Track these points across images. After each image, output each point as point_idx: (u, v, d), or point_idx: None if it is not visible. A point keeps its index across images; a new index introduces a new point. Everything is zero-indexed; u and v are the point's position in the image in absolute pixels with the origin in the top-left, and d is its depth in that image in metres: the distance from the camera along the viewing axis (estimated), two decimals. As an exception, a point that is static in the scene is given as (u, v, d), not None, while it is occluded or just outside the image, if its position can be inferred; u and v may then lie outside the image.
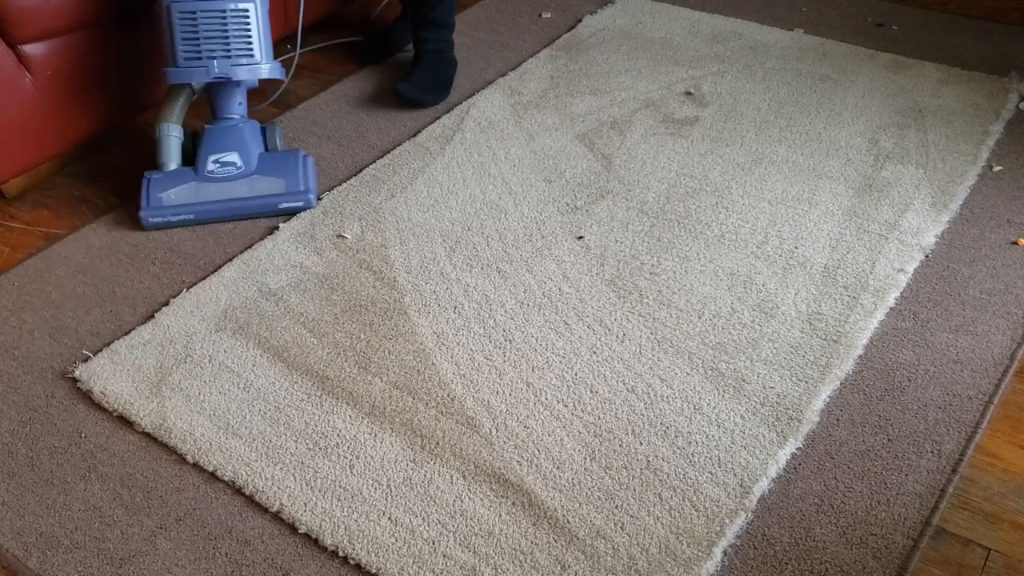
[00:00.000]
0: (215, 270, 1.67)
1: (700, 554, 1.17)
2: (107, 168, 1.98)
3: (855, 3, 2.45)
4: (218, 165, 1.75)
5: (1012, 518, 1.22)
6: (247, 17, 1.67)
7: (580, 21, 2.42)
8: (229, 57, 1.68)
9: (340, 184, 1.88)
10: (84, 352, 1.52)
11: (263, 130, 1.85)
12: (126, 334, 1.55)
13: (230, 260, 1.69)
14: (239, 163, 1.75)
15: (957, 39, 2.26)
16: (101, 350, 1.52)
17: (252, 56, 1.69)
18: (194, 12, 1.64)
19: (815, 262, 1.61)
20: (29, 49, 1.73)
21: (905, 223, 1.69)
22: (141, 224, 1.74)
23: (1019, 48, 2.21)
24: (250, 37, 1.68)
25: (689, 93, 2.10)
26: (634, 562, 1.17)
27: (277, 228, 1.76)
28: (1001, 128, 1.93)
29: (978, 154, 1.85)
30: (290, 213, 1.78)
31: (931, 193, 1.76)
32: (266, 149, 1.85)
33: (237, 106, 1.80)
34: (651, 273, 1.61)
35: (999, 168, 1.82)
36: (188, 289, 1.64)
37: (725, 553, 1.18)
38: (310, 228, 1.76)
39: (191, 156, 1.82)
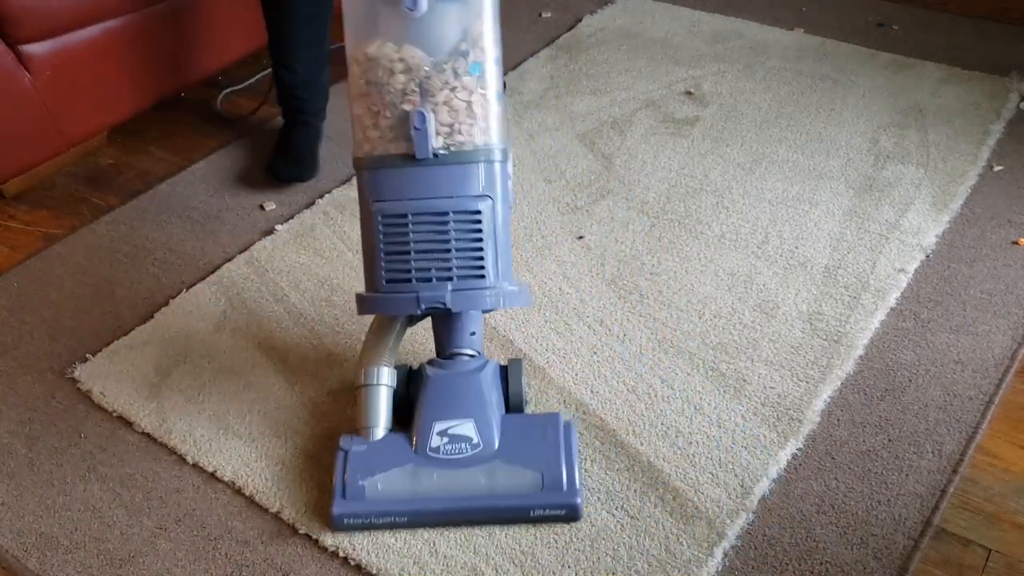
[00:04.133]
0: (215, 270, 1.67)
1: (701, 555, 1.17)
2: (107, 168, 1.98)
3: (855, 3, 2.45)
4: (446, 440, 1.20)
5: (1012, 518, 1.22)
6: (478, 223, 1.14)
7: (580, 21, 2.42)
8: (450, 279, 1.14)
9: (341, 185, 1.88)
10: (84, 352, 1.52)
11: (503, 371, 1.30)
12: (126, 334, 1.55)
13: (230, 260, 1.69)
14: (475, 439, 1.21)
15: (957, 39, 2.26)
16: (101, 350, 1.52)
17: (483, 277, 1.15)
18: (404, 216, 1.12)
19: (816, 262, 1.61)
20: (29, 49, 1.72)
21: (906, 223, 1.68)
22: (332, 523, 1.20)
23: (1019, 48, 2.21)
24: (481, 251, 1.14)
25: (689, 93, 2.10)
26: (634, 563, 1.16)
27: (275, 229, 1.76)
28: (1002, 128, 1.93)
29: (978, 154, 1.85)
30: (546, 521, 1.23)
31: (932, 193, 1.76)
32: (507, 401, 1.28)
33: (469, 338, 1.27)
34: (651, 273, 1.61)
35: (1000, 168, 1.82)
36: (188, 289, 1.63)
37: (726, 554, 1.18)
38: (310, 228, 1.76)
39: (404, 408, 1.27)
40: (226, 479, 1.30)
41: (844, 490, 1.24)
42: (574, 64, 2.23)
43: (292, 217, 1.79)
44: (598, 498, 1.24)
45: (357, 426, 1.24)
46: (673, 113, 2.03)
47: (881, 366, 1.42)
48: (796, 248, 1.65)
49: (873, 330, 1.48)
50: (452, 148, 1.10)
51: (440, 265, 1.13)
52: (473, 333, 1.27)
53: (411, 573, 1.17)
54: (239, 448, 1.34)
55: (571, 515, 1.20)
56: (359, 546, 1.20)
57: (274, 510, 1.26)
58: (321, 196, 1.84)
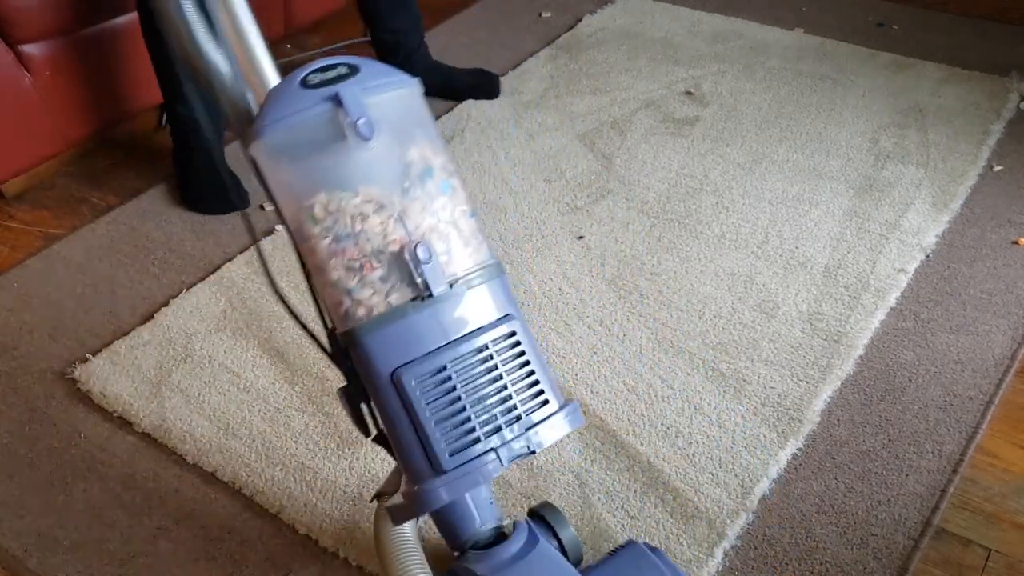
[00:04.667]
0: (215, 270, 1.67)
1: (701, 555, 1.17)
2: (106, 168, 1.98)
3: (855, 3, 2.45)
4: None
5: (1012, 518, 1.22)
6: (519, 344, 0.91)
7: (580, 21, 2.42)
8: (518, 419, 0.89)
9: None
10: (84, 352, 1.52)
11: (542, 522, 1.03)
12: (126, 334, 1.55)
13: (230, 260, 1.69)
14: None
15: (957, 39, 2.26)
16: (101, 350, 1.52)
17: (547, 403, 0.91)
18: (443, 369, 0.87)
19: (816, 262, 1.61)
20: (29, 49, 1.73)
21: (906, 223, 1.68)
22: None
23: (1019, 48, 2.21)
24: (534, 374, 0.91)
25: (689, 93, 2.10)
26: (635, 562, 1.16)
27: (275, 229, 1.76)
28: (1001, 128, 1.93)
29: (978, 154, 1.85)
30: None
31: (932, 193, 1.76)
32: (564, 555, 1.01)
33: (490, 507, 0.98)
34: (651, 273, 1.61)
35: (999, 168, 1.82)
36: (188, 289, 1.63)
37: (726, 554, 1.18)
38: (310, 228, 1.76)
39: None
40: (226, 480, 1.30)
41: (844, 490, 1.24)
42: (574, 64, 2.23)
43: (292, 217, 1.79)
44: (598, 499, 1.24)
45: None
46: (673, 113, 2.03)
47: (881, 366, 1.42)
48: (796, 248, 1.65)
49: (873, 330, 1.48)
50: (458, 275, 0.90)
51: (503, 409, 0.88)
52: (492, 502, 0.99)
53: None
54: (239, 448, 1.34)
55: None
56: (360, 546, 1.20)
57: (274, 510, 1.26)
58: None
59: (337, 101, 0.85)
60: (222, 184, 1.84)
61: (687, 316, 1.52)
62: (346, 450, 1.33)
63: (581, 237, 1.70)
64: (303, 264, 0.94)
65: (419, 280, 0.87)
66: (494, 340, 0.89)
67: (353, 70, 0.88)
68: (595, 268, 1.63)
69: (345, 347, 0.91)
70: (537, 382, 0.90)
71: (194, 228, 1.78)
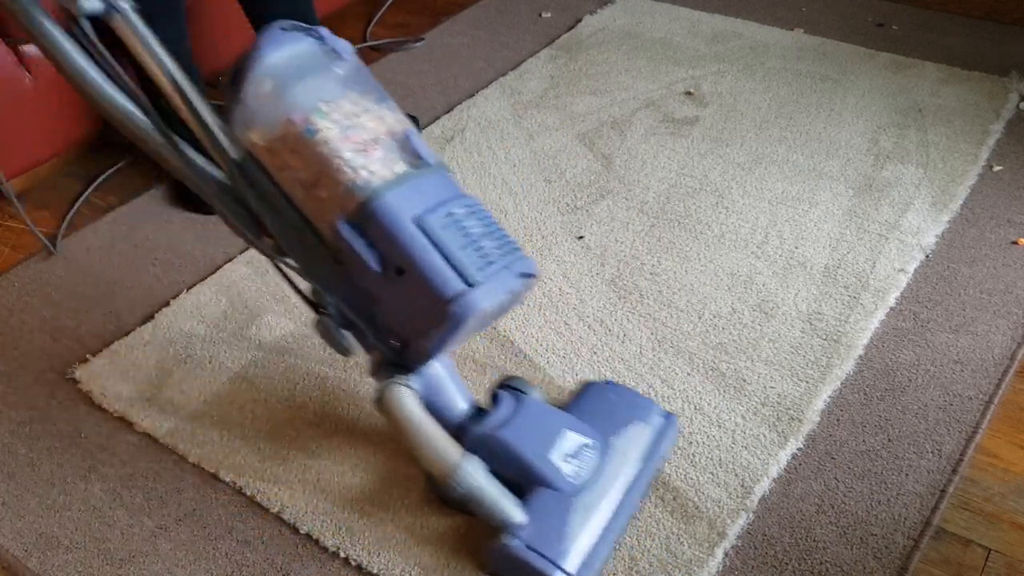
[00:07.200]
0: (215, 270, 1.67)
1: (702, 555, 1.17)
2: (107, 168, 1.98)
3: (855, 3, 2.45)
4: (573, 461, 1.16)
5: (1012, 518, 1.22)
6: (488, 212, 1.15)
7: (580, 21, 2.42)
8: (512, 252, 1.12)
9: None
10: (84, 352, 1.52)
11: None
12: (126, 335, 1.55)
13: (230, 260, 1.69)
14: (588, 440, 1.19)
15: (957, 39, 2.26)
16: (101, 350, 1.52)
17: (520, 248, 1.15)
18: (453, 214, 1.09)
19: (815, 262, 1.61)
20: (29, 49, 1.73)
21: (905, 223, 1.69)
22: None
23: (1019, 48, 2.21)
24: (503, 230, 1.16)
25: (689, 93, 2.10)
26: (635, 563, 1.16)
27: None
28: (1001, 128, 1.93)
29: (978, 154, 1.85)
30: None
31: (931, 193, 1.76)
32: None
33: (467, 392, 1.23)
34: (651, 273, 1.61)
35: (999, 168, 1.82)
36: (188, 289, 1.63)
37: (726, 554, 1.18)
38: (310, 228, 1.76)
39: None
40: (227, 480, 1.30)
41: (844, 490, 1.24)
42: (574, 64, 2.23)
43: (292, 217, 1.79)
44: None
45: (493, 523, 1.13)
46: (673, 113, 2.03)
47: (881, 366, 1.42)
48: (796, 248, 1.65)
49: (873, 330, 1.48)
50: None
51: (498, 244, 1.10)
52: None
53: (412, 574, 1.17)
54: (240, 448, 1.34)
55: (673, 424, 1.28)
56: (360, 546, 1.20)
57: (274, 510, 1.26)
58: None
59: (319, 36, 1.11)
60: None
61: (687, 316, 1.52)
62: (347, 450, 1.33)
63: (581, 237, 1.70)
64: (282, 194, 1.09)
65: (413, 155, 1.09)
66: (474, 203, 1.12)
67: (312, 28, 1.12)
68: (595, 268, 1.63)
69: (358, 225, 1.05)
70: (507, 235, 1.13)
71: (194, 228, 1.78)
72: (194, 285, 1.64)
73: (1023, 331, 1.47)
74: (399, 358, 1.13)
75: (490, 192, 1.83)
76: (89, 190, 1.91)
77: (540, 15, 2.47)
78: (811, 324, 1.49)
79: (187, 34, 1.78)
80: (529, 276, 1.12)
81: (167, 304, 1.60)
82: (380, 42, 2.41)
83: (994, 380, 1.39)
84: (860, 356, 1.44)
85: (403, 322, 1.10)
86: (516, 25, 2.43)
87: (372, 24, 2.51)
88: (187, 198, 1.84)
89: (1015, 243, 1.65)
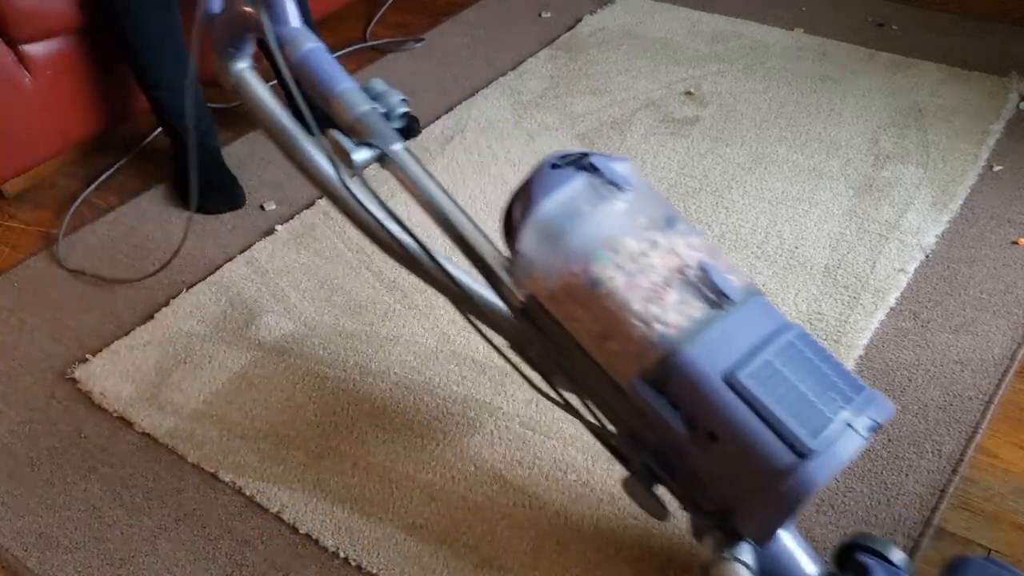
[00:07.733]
0: (215, 270, 1.67)
1: (702, 554, 1.17)
2: (107, 168, 1.98)
3: (855, 3, 2.45)
4: None
5: (1012, 518, 1.22)
6: (814, 341, 0.96)
7: (580, 21, 2.42)
8: (850, 399, 0.90)
9: (340, 184, 1.87)
10: (84, 352, 1.52)
11: None
12: (126, 334, 1.55)
13: (230, 260, 1.69)
14: None
15: (957, 39, 2.26)
16: (101, 350, 1.52)
17: (862, 385, 0.94)
18: (771, 362, 0.91)
19: (815, 262, 1.61)
20: (29, 49, 1.73)
21: (905, 223, 1.69)
22: None
23: (1019, 48, 2.21)
24: (838, 363, 0.95)
25: (689, 93, 2.10)
26: (640, 563, 1.16)
27: (275, 229, 1.76)
28: (1001, 128, 1.93)
29: (978, 154, 1.85)
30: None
31: (931, 193, 1.76)
32: None
33: (814, 554, 1.03)
34: (651, 273, 1.61)
35: (999, 168, 1.82)
36: (188, 289, 1.63)
37: (726, 553, 1.17)
38: (310, 228, 1.76)
39: None
40: (226, 480, 1.30)
41: (843, 490, 1.24)
42: (574, 64, 2.23)
43: (292, 217, 1.79)
44: (601, 500, 1.24)
45: None
46: (673, 113, 2.03)
47: (881, 366, 1.42)
48: (796, 248, 1.65)
49: (873, 330, 1.48)
50: (741, 287, 0.97)
51: (833, 391, 0.90)
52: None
53: (412, 574, 1.17)
54: (239, 448, 1.34)
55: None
56: (360, 546, 1.20)
57: (274, 510, 1.26)
58: (321, 196, 1.84)
59: (592, 168, 0.98)
60: (221, 184, 1.84)
61: (687, 316, 1.52)
62: (346, 450, 1.33)
63: (581, 237, 1.70)
64: (574, 344, 0.98)
65: (714, 293, 0.93)
66: (797, 336, 0.93)
67: (584, 154, 1.00)
68: (595, 268, 1.63)
69: (658, 383, 0.91)
70: (845, 369, 0.93)
71: (194, 228, 1.78)
72: (194, 285, 1.64)
73: (1023, 331, 1.47)
74: (726, 524, 0.96)
75: (490, 192, 1.83)
76: (89, 190, 1.91)
77: (540, 15, 2.47)
78: (811, 324, 1.49)
79: (181, 28, 1.77)
80: (878, 425, 0.91)
81: (167, 304, 1.60)
82: (380, 42, 2.42)
83: (994, 380, 1.39)
84: (860, 356, 1.44)
85: (724, 492, 0.94)
86: (516, 25, 2.43)
87: (372, 24, 2.51)
88: (187, 198, 1.85)
89: (1015, 243, 1.65)
